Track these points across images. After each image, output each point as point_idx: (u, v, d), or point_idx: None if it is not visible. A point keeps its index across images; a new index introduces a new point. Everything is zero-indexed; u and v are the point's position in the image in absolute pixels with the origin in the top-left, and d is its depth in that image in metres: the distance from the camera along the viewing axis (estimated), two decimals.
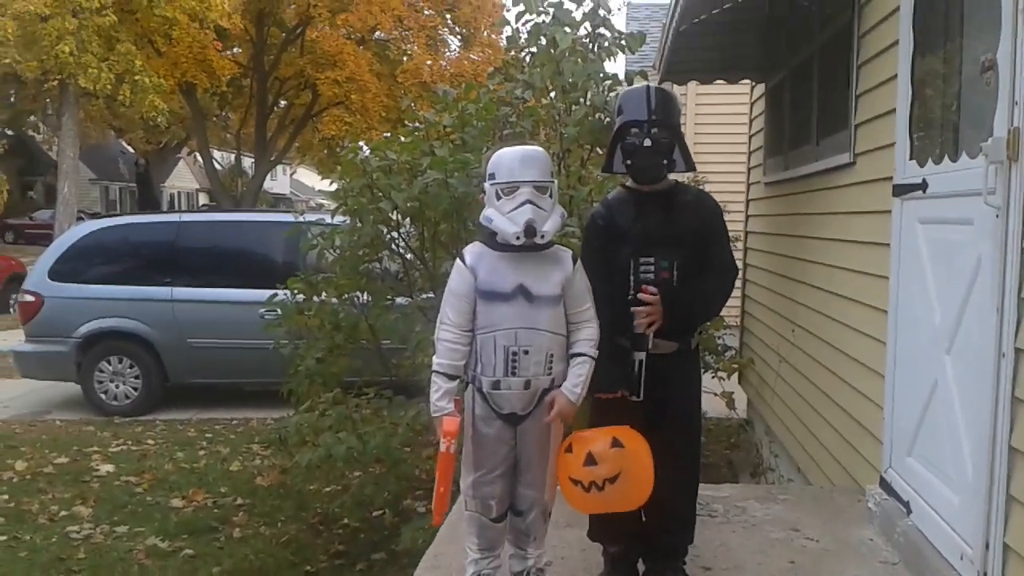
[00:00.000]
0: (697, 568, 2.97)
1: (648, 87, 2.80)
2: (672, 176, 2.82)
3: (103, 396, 8.57)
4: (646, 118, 2.70)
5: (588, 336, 2.62)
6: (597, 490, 2.51)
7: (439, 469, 2.57)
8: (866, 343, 3.79)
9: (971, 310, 2.69)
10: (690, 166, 2.77)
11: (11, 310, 13.75)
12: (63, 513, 5.68)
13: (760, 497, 3.81)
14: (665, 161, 2.72)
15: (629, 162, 2.74)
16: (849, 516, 3.53)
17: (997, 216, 2.48)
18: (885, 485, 3.40)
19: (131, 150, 35.05)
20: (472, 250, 2.64)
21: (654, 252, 2.71)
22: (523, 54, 5.55)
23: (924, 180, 3.10)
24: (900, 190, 3.32)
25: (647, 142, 2.69)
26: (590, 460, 2.52)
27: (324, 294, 5.19)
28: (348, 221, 5.00)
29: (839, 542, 3.27)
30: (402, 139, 5.30)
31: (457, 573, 2.81)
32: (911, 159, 3.29)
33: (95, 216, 18.28)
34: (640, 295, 2.68)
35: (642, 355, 2.70)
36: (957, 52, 3.09)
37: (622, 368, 2.69)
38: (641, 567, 2.87)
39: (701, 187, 10.02)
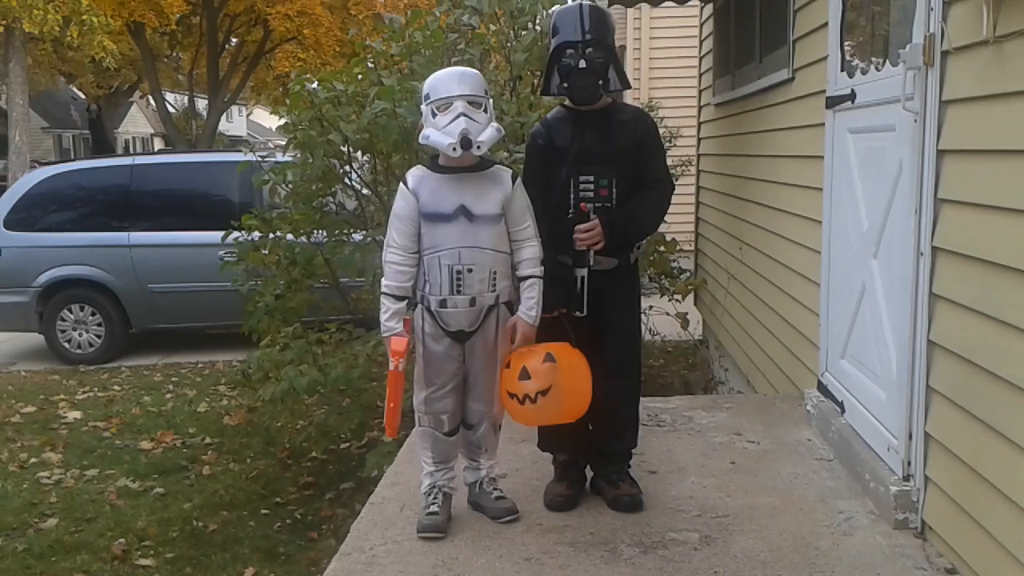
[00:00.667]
0: (643, 472, 3.12)
1: (581, 5, 2.80)
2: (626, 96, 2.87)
3: (66, 345, 8.56)
4: (580, 38, 2.73)
5: (531, 255, 2.70)
6: (531, 403, 2.62)
7: (389, 386, 2.67)
8: (804, 254, 3.92)
9: (894, 214, 2.81)
10: (625, 84, 2.83)
11: None
12: (33, 460, 5.74)
13: (706, 406, 3.97)
14: (600, 81, 2.77)
15: (565, 84, 2.79)
16: (789, 419, 3.71)
17: (915, 121, 2.58)
18: (822, 388, 3.57)
19: (82, 96, 34.14)
20: (414, 173, 2.71)
21: (592, 170, 2.78)
22: None
23: (853, 91, 3.19)
24: (832, 102, 3.41)
25: (582, 63, 2.73)
26: (524, 375, 2.62)
27: (279, 230, 5.21)
28: (299, 155, 5.00)
29: (778, 443, 3.45)
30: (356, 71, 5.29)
31: (415, 488, 2.93)
32: (842, 71, 3.38)
33: (49, 165, 17.93)
34: (577, 229, 2.75)
35: (584, 271, 2.79)
36: None
37: (563, 288, 2.78)
38: (589, 473, 3.01)
39: (655, 112, 10.07)
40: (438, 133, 2.57)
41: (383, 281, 2.70)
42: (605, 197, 2.79)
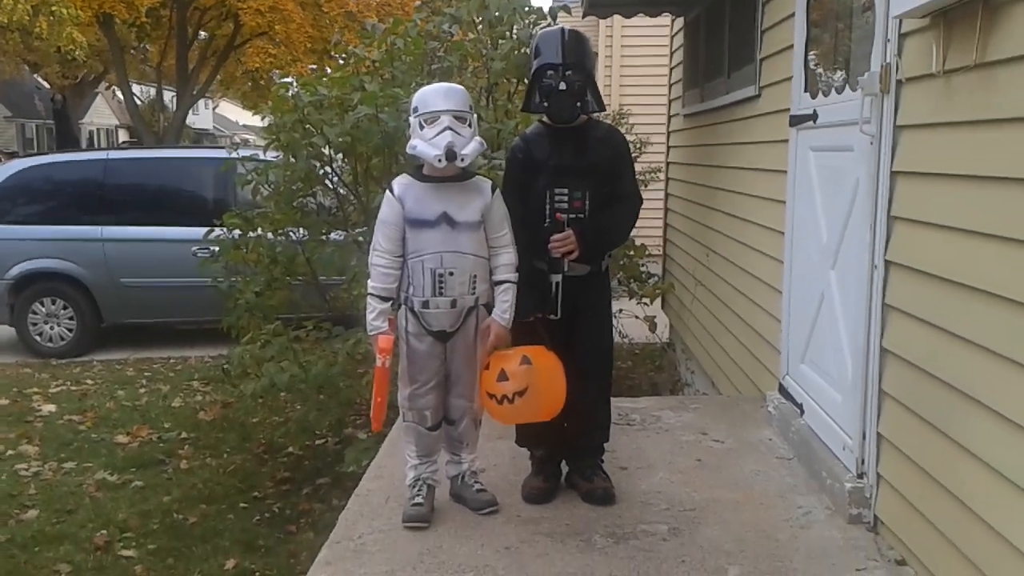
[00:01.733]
0: (615, 468, 3.29)
1: (562, 30, 2.98)
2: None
3: (38, 338, 8.56)
4: (560, 62, 2.91)
5: (507, 261, 2.87)
6: (508, 403, 2.79)
7: (375, 382, 2.83)
8: (767, 262, 4.13)
9: (851, 228, 3.02)
10: (600, 107, 3.02)
11: None
12: (10, 452, 5.78)
13: (674, 407, 4.16)
14: (579, 103, 2.94)
15: (546, 103, 2.96)
16: (752, 420, 3.91)
17: (871, 143, 2.78)
18: (783, 390, 3.77)
19: (47, 86, 33.60)
20: (400, 181, 2.87)
21: (567, 183, 2.95)
22: None
23: (815, 111, 3.40)
24: (795, 120, 3.62)
25: (562, 85, 2.90)
26: (502, 376, 2.79)
27: (260, 229, 5.32)
28: (281, 156, 5.11)
29: (741, 442, 3.64)
30: (329, 71, 5.41)
31: (399, 480, 3.07)
32: (805, 91, 3.58)
33: (12, 156, 17.70)
34: (552, 238, 2.91)
35: (558, 277, 2.96)
36: None
37: (538, 292, 2.95)
38: (565, 468, 3.18)
39: (625, 120, 10.28)
40: (425, 144, 2.73)
41: (369, 283, 2.85)
42: (579, 208, 2.97)
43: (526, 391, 2.78)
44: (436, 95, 2.78)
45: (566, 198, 2.94)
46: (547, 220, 2.96)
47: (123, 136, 41.17)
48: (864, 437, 2.88)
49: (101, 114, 40.77)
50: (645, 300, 6.69)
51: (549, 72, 2.92)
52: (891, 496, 2.71)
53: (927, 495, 2.46)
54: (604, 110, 3.06)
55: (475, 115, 2.84)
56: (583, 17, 8.06)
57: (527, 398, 2.79)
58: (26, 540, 4.46)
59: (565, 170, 2.96)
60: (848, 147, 3.01)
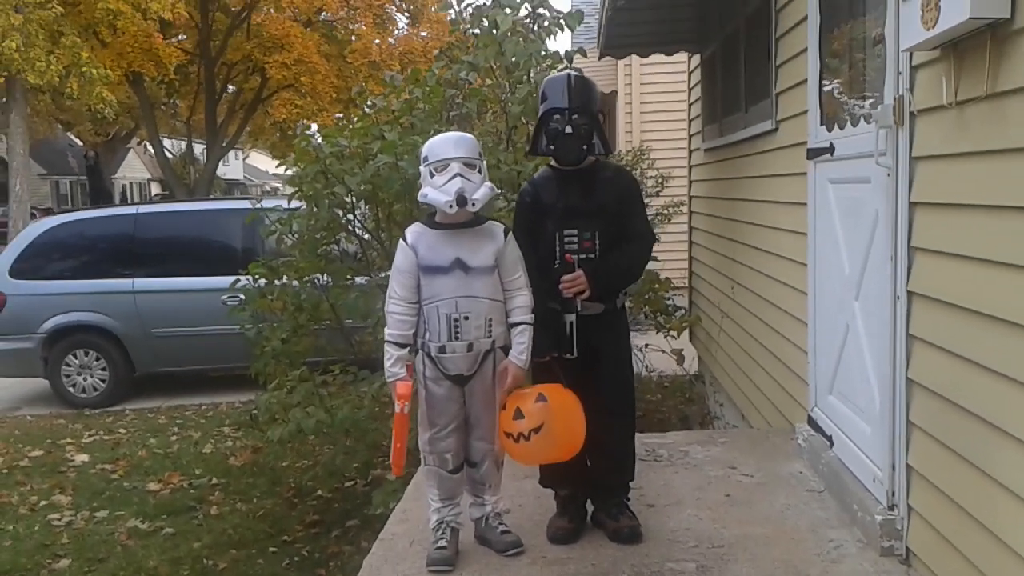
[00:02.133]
0: (642, 505, 3.27)
1: (569, 75, 3.03)
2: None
3: (71, 389, 8.69)
4: (567, 106, 2.95)
5: (522, 303, 2.89)
6: (525, 440, 2.78)
7: (395, 428, 2.84)
8: (791, 294, 4.11)
9: (872, 259, 3.01)
10: (607, 149, 3.06)
11: None
12: (43, 503, 5.84)
13: (702, 441, 4.13)
14: (585, 146, 2.98)
15: (552, 147, 3.00)
16: (781, 453, 3.87)
17: (888, 175, 2.78)
18: (812, 422, 3.73)
19: (80, 143, 34.46)
20: (413, 230, 2.91)
21: (576, 224, 2.98)
22: (467, 31, 5.73)
23: (832, 144, 3.41)
24: (812, 153, 3.62)
25: (568, 129, 2.94)
26: (518, 414, 2.80)
27: (285, 277, 5.39)
28: (304, 206, 5.20)
29: (771, 476, 3.60)
30: (355, 120, 5.51)
31: (423, 524, 3.07)
32: (821, 125, 3.60)
33: (47, 212, 18.13)
34: (563, 279, 2.93)
35: (572, 317, 2.97)
36: (859, 27, 3.38)
37: (553, 333, 2.96)
38: (590, 507, 3.16)
39: (646, 156, 10.33)
40: (436, 191, 2.78)
41: (386, 330, 2.89)
42: (588, 248, 2.99)
43: (541, 428, 2.77)
44: (446, 144, 2.84)
45: (576, 239, 2.97)
46: (557, 261, 2.98)
47: (155, 189, 42.03)
48: (894, 469, 2.84)
49: (133, 168, 41.70)
50: (672, 333, 6.67)
51: (555, 116, 2.96)
52: (923, 528, 2.66)
53: (958, 527, 2.41)
54: (611, 152, 3.10)
55: (484, 162, 2.89)
56: (600, 59, 8.17)
57: (543, 435, 2.78)
58: None
59: (573, 212, 2.99)
60: (866, 179, 3.01)
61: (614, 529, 3.03)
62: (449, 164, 2.77)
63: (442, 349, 2.83)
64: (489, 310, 2.84)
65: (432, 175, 2.79)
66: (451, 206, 2.74)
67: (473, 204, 2.76)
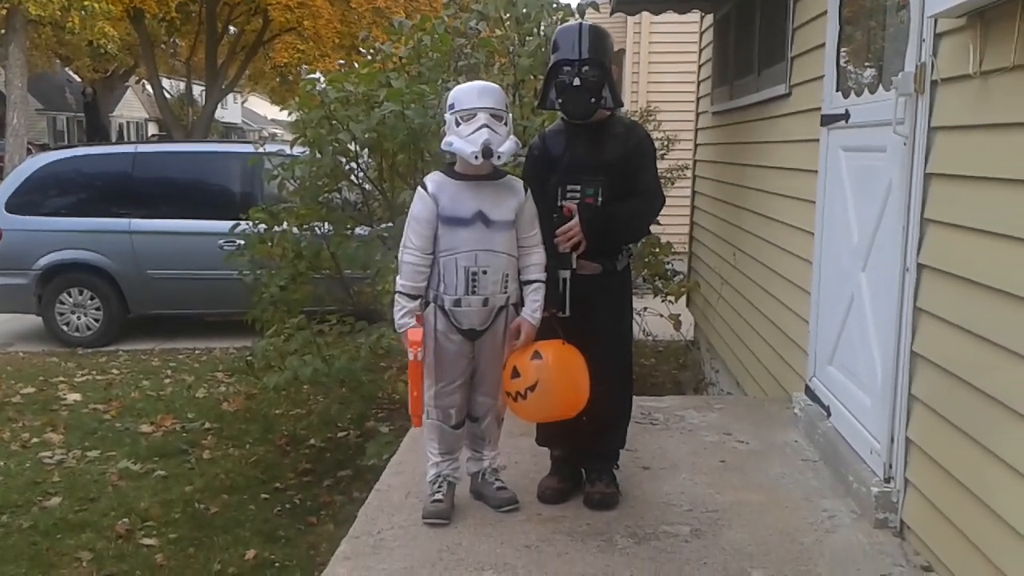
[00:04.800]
0: (637, 468, 3.27)
1: (581, 25, 2.93)
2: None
3: (64, 328, 8.65)
4: (577, 57, 2.86)
5: (538, 261, 2.85)
6: (521, 399, 2.77)
7: (410, 376, 2.81)
8: (796, 263, 4.08)
9: (882, 230, 2.97)
10: (617, 103, 2.96)
11: None
12: (34, 440, 5.83)
13: (698, 407, 4.13)
14: (594, 99, 2.88)
15: (560, 100, 2.92)
16: (777, 422, 3.87)
17: (905, 144, 2.73)
18: (809, 392, 3.73)
19: (78, 79, 34.03)
20: (433, 179, 2.84)
21: (580, 179, 2.91)
22: None
23: (847, 111, 3.35)
24: (826, 120, 3.56)
25: (576, 81, 2.85)
26: (515, 373, 2.78)
27: (285, 224, 5.34)
28: (307, 152, 5.12)
29: (766, 444, 3.60)
30: (357, 67, 5.41)
31: (419, 476, 3.07)
32: (837, 91, 3.53)
33: (43, 147, 17.94)
34: (558, 231, 2.87)
35: (566, 273, 2.91)
36: None
37: (550, 290, 2.89)
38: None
39: (652, 117, 10.22)
40: (461, 141, 2.71)
41: (398, 280, 2.83)
42: (590, 205, 2.92)
43: (536, 386, 2.75)
44: (473, 93, 2.77)
45: (578, 194, 2.91)
46: (556, 215, 2.92)
47: (152, 129, 41.64)
48: (892, 441, 2.84)
49: (131, 107, 41.23)
50: (670, 298, 6.66)
51: (565, 68, 2.88)
52: (918, 501, 2.66)
53: (955, 501, 2.41)
54: (622, 106, 3.01)
55: (510, 114, 2.82)
56: (611, 14, 8.02)
57: (538, 393, 2.76)
58: (48, 527, 4.49)
59: (578, 166, 2.92)
60: (881, 148, 2.96)
61: (587, 493, 3.01)
62: (477, 114, 2.70)
63: (457, 303, 2.79)
64: (507, 265, 2.80)
65: (458, 124, 2.73)
66: (477, 157, 2.68)
67: (499, 157, 2.70)
